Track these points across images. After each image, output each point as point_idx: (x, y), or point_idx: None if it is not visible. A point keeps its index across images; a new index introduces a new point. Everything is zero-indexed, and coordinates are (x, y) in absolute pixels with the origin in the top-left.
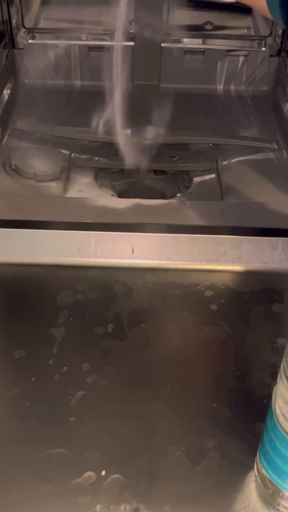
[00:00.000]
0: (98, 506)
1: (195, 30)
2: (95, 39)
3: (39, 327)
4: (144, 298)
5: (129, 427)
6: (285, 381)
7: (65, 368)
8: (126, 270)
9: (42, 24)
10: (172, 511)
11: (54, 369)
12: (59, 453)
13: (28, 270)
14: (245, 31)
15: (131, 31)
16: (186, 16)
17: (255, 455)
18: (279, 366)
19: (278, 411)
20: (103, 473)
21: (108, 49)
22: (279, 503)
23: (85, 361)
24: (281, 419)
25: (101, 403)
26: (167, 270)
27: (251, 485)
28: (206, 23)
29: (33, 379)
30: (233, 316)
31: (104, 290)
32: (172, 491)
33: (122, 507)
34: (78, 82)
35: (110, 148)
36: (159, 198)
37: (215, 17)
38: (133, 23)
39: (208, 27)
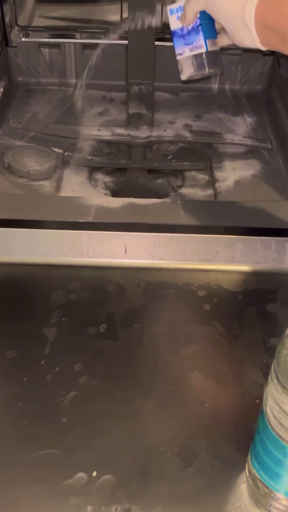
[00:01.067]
0: (89, 507)
1: None
2: (89, 37)
3: (31, 327)
4: (137, 298)
5: (121, 427)
6: (276, 381)
7: (57, 368)
8: (119, 270)
9: (36, 22)
10: None
11: (46, 370)
12: (51, 454)
13: (20, 270)
14: None
15: (125, 30)
16: None
17: (247, 455)
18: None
19: (269, 412)
20: (95, 474)
21: (103, 47)
22: (270, 504)
23: (77, 361)
24: (271, 420)
25: (93, 403)
26: (160, 269)
27: (242, 486)
28: None
29: (25, 379)
30: (226, 316)
31: (97, 290)
32: (164, 491)
33: (114, 508)
34: (72, 81)
35: (104, 147)
36: (152, 197)
37: None
38: (127, 21)
39: None
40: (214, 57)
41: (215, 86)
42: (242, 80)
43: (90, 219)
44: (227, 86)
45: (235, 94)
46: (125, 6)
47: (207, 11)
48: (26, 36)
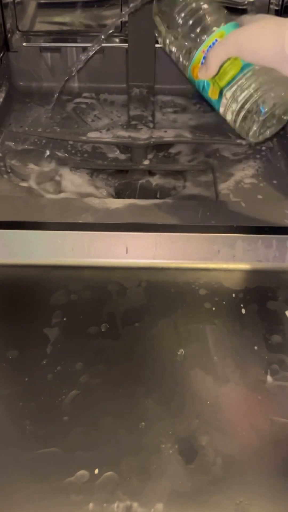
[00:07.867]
0: (90, 505)
1: None
2: (89, 41)
3: (32, 328)
4: (138, 297)
5: (122, 425)
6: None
7: (58, 368)
8: (120, 270)
9: (37, 27)
10: (165, 509)
11: (47, 369)
12: (52, 453)
13: (21, 271)
14: None
15: (125, 33)
16: None
17: (249, 451)
18: (274, 364)
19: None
20: (96, 471)
21: (103, 50)
22: None
23: (79, 361)
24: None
25: (94, 402)
26: (161, 269)
27: (243, 482)
28: None
29: (26, 379)
30: (227, 314)
31: (98, 290)
32: (165, 488)
33: (115, 505)
34: (74, 84)
35: (105, 149)
36: (154, 198)
37: None
38: (127, 25)
39: None
40: None
41: None
42: None
43: (91, 220)
44: None
45: None
46: (125, 9)
47: (241, 57)
48: (28, 41)
